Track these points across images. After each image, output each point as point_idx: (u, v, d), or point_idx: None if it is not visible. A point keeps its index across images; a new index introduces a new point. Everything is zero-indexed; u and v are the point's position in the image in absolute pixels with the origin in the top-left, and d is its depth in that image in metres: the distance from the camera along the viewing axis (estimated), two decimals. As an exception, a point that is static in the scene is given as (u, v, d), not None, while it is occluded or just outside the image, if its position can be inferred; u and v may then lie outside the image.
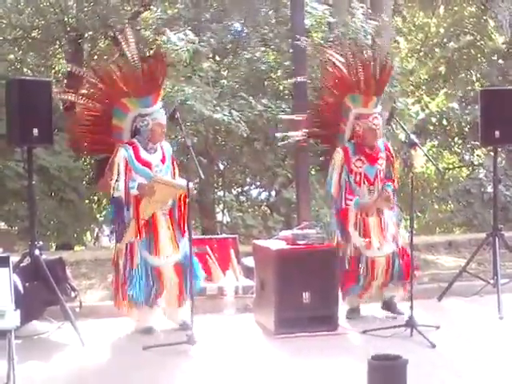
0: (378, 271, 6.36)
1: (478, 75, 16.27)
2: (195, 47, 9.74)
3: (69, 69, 10.54)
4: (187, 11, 11.27)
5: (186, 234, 5.94)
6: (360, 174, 6.36)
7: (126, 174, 5.86)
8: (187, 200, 5.81)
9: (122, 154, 5.88)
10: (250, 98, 10.05)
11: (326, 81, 6.70)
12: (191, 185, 5.73)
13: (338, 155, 6.39)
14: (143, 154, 5.94)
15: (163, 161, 6.01)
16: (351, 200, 6.31)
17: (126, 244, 5.96)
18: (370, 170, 6.38)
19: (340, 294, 6.34)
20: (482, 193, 12.98)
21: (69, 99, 6.30)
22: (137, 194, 5.83)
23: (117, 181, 5.85)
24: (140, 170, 5.90)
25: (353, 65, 6.37)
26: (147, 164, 5.93)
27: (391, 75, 6.54)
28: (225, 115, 9.52)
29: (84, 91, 6.17)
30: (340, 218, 6.38)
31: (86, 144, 6.33)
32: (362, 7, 10.33)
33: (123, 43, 5.96)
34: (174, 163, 6.18)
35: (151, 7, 13.46)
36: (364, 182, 6.36)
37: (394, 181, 6.47)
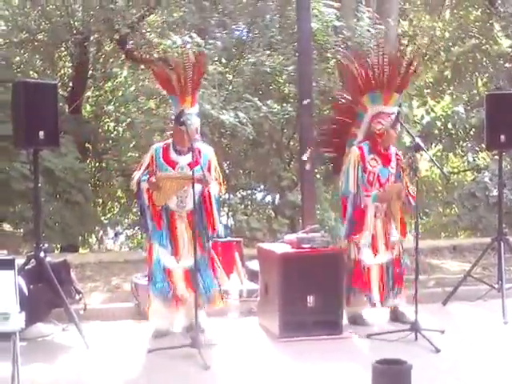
0: (372, 278, 6.36)
1: (484, 79, 16.26)
2: (201, 50, 9.75)
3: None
4: (192, 16, 11.27)
5: (216, 230, 6.07)
6: (374, 173, 6.34)
7: (147, 169, 6.01)
8: (211, 195, 5.95)
9: (151, 151, 6.09)
10: (256, 99, 10.05)
11: (345, 82, 6.66)
12: (197, 173, 5.69)
13: (354, 153, 6.36)
14: (172, 154, 6.04)
15: (192, 165, 5.83)
16: (369, 196, 6.30)
17: (148, 242, 6.09)
18: (383, 172, 6.37)
19: (345, 296, 6.33)
20: (487, 197, 12.93)
21: None
22: (147, 186, 5.93)
23: (136, 173, 6.06)
24: (162, 168, 5.98)
25: (377, 60, 6.36)
26: (172, 164, 6.00)
27: (418, 72, 6.49)
28: (231, 117, 9.53)
29: None
30: (355, 217, 6.35)
31: None
32: (369, 11, 10.34)
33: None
34: (212, 169, 6.09)
35: (156, 10, 13.48)
36: (376, 184, 6.35)
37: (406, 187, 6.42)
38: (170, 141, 6.12)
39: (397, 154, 6.51)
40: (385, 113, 6.35)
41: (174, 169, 5.98)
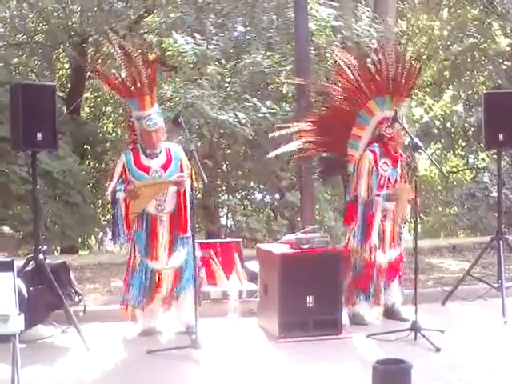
0: (382, 277, 6.43)
1: (483, 78, 16.26)
2: (203, 50, 9.75)
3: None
4: (189, 17, 11.26)
5: (189, 232, 5.94)
6: (385, 177, 6.37)
7: (120, 177, 5.92)
8: (186, 195, 5.87)
9: (122, 159, 5.97)
10: (255, 99, 10.05)
11: (344, 85, 6.62)
12: (181, 175, 5.73)
13: (367, 159, 6.33)
14: (143, 158, 5.95)
15: (165, 166, 5.92)
16: (379, 195, 6.30)
17: (131, 245, 6.03)
18: (393, 173, 6.40)
19: (344, 299, 6.34)
20: (486, 197, 12.95)
21: None
22: (124, 196, 5.85)
23: (110, 183, 5.97)
24: (137, 175, 5.91)
25: (384, 65, 6.36)
26: (145, 169, 5.93)
27: (419, 76, 6.51)
28: (230, 117, 9.52)
29: None
30: (366, 222, 6.34)
31: None
32: (368, 11, 10.34)
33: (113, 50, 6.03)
34: (184, 167, 6.03)
35: (154, 11, 13.47)
36: (386, 186, 6.36)
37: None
38: (138, 145, 6.00)
39: (401, 155, 6.52)
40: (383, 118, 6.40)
41: (147, 173, 5.91)
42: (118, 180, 5.93)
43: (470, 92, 15.94)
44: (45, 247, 6.25)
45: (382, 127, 6.39)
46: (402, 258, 6.53)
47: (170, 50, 9.88)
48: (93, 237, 15.06)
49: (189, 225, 5.95)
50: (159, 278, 5.99)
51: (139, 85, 5.90)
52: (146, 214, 5.97)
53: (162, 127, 5.98)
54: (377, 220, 6.32)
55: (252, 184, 12.11)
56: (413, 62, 6.45)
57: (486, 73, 15.88)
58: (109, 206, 16.11)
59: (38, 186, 6.40)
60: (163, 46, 10.19)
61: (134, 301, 6.00)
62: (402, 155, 6.52)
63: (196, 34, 9.94)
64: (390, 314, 6.54)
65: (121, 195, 5.86)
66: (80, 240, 13.54)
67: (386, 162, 6.36)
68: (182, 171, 5.97)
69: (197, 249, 5.98)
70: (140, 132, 5.97)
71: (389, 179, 6.38)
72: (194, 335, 5.48)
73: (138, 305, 6.02)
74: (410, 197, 6.22)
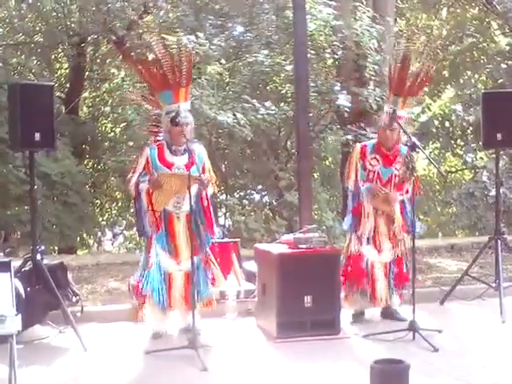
0: (378, 275, 6.40)
1: (482, 77, 16.26)
2: (205, 50, 9.75)
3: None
4: (187, 17, 11.25)
5: (216, 233, 6.07)
6: (374, 172, 6.38)
7: (143, 170, 5.89)
8: (208, 195, 5.94)
9: (146, 153, 5.95)
10: (254, 100, 10.05)
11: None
12: (196, 175, 5.73)
13: (355, 151, 6.49)
14: (167, 155, 5.93)
15: (188, 166, 5.80)
16: (363, 185, 6.35)
17: (146, 242, 6.01)
18: (384, 171, 6.38)
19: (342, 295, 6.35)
20: (485, 196, 12.94)
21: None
22: (147, 186, 5.82)
23: (132, 176, 5.94)
24: (160, 170, 5.87)
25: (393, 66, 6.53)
26: (168, 165, 5.90)
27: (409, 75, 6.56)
28: (229, 117, 9.52)
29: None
30: (354, 213, 6.40)
31: None
32: (368, 11, 10.34)
33: (154, 43, 5.99)
34: (206, 170, 6.04)
35: (153, 11, 13.47)
36: (376, 182, 6.36)
37: (407, 191, 6.39)
38: (164, 141, 6.01)
39: (397, 156, 6.50)
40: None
41: (170, 170, 5.90)
42: (140, 173, 5.89)
43: (468, 91, 15.93)
44: (42, 247, 6.25)
45: (382, 120, 6.43)
46: (401, 261, 6.47)
47: (171, 49, 9.86)
48: (91, 237, 15.07)
49: (215, 226, 6.01)
50: (170, 280, 5.96)
51: (178, 76, 5.88)
52: (165, 212, 5.94)
53: (191, 124, 5.95)
54: (366, 212, 6.33)
55: (250, 184, 12.11)
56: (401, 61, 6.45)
57: (487, 70, 15.85)
58: (107, 205, 16.15)
59: (35, 187, 6.40)
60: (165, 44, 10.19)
61: (156, 300, 5.91)
62: (398, 157, 6.50)
63: (198, 33, 9.93)
64: (387, 314, 6.54)
65: (144, 186, 5.84)
66: (78, 239, 13.55)
67: (375, 158, 6.39)
68: (203, 173, 5.97)
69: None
70: (169, 126, 5.92)
71: (379, 176, 6.37)
72: (192, 335, 5.47)
73: (160, 305, 5.94)
74: (385, 200, 6.28)
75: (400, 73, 6.39)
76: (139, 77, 6.14)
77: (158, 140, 6.10)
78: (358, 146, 6.57)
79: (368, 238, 6.39)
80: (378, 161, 6.39)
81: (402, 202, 6.44)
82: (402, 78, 6.38)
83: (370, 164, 6.38)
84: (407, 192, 6.37)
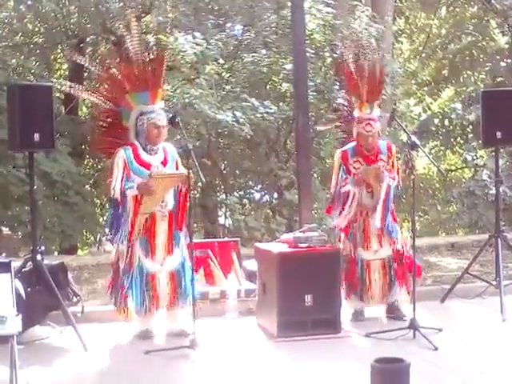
0: (374, 275, 6.41)
1: (481, 75, 16.27)
2: (203, 50, 9.74)
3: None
4: (186, 16, 11.25)
5: (184, 230, 5.92)
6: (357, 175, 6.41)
7: (123, 174, 5.81)
8: (188, 192, 5.80)
9: (121, 155, 5.84)
10: (253, 99, 10.05)
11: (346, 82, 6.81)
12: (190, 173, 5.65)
13: (336, 156, 6.62)
14: (143, 154, 5.90)
15: (164, 163, 5.93)
16: (347, 183, 6.37)
17: (128, 246, 5.89)
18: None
19: (343, 294, 6.38)
20: (486, 194, 12.95)
21: (79, 96, 6.28)
22: (136, 193, 5.75)
23: (113, 181, 5.82)
24: (138, 171, 5.82)
25: (358, 67, 6.52)
26: (146, 165, 5.86)
27: (382, 81, 6.64)
28: (228, 116, 9.52)
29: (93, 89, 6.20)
30: (340, 216, 6.45)
31: (103, 148, 6.35)
32: (368, 9, 10.34)
33: (126, 33, 5.97)
34: (178, 166, 6.05)
35: (152, 11, 13.45)
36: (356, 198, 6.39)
37: (393, 178, 6.42)
38: (136, 141, 5.95)
39: (388, 147, 6.54)
40: (360, 117, 6.47)
41: (149, 169, 5.84)
42: (122, 177, 5.81)
43: (468, 90, 15.95)
44: (42, 248, 6.25)
45: (359, 126, 6.43)
46: (398, 255, 6.46)
47: (169, 49, 9.86)
48: (92, 237, 15.06)
49: (185, 224, 5.91)
50: (153, 281, 5.90)
51: (154, 78, 5.89)
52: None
53: (166, 124, 5.97)
54: (348, 202, 6.35)
55: (250, 183, 12.11)
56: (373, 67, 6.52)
57: (486, 68, 15.87)
58: (107, 205, 16.14)
59: (35, 187, 6.40)
60: (162, 44, 10.18)
61: (137, 308, 5.88)
62: (391, 151, 6.53)
63: (196, 33, 9.93)
64: (390, 312, 6.54)
65: (131, 193, 5.75)
66: (80, 239, 13.54)
67: (358, 161, 6.43)
68: (177, 170, 5.98)
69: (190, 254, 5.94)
70: (146, 127, 5.90)
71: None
72: (192, 335, 5.47)
73: (141, 312, 5.91)
74: (381, 177, 6.25)
75: (369, 81, 6.45)
76: (113, 77, 6.09)
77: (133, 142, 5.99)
78: (338, 151, 6.63)
79: (360, 240, 6.41)
80: (360, 163, 6.43)
81: (387, 192, 6.39)
82: (371, 86, 6.46)
83: (354, 167, 6.44)
84: (394, 179, 6.39)
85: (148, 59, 5.96)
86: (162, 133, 5.93)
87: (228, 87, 10.64)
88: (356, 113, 6.54)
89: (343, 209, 6.42)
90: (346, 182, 6.39)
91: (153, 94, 5.97)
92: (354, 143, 6.55)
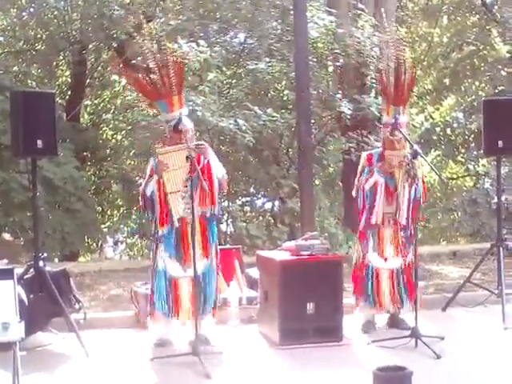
0: (383, 283, 6.37)
1: (483, 84, 16.29)
2: (206, 57, 9.77)
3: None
4: (190, 23, 11.28)
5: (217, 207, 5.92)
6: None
7: (148, 180, 5.87)
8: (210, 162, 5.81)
9: (151, 163, 5.96)
10: (256, 107, 10.06)
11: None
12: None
13: (362, 159, 6.53)
14: None
15: (191, 171, 5.73)
16: (373, 174, 6.29)
17: (153, 247, 5.95)
18: (390, 181, 6.30)
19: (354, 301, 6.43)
20: (488, 203, 12.96)
21: None
22: (156, 178, 5.76)
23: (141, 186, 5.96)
24: None
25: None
26: None
27: (410, 85, 6.55)
28: (230, 123, 9.53)
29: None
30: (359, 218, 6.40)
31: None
32: (371, 19, 10.36)
33: (143, 43, 5.96)
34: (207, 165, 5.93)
35: (155, 19, 13.49)
36: (385, 192, 6.29)
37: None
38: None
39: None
40: (386, 123, 6.40)
41: None
42: (146, 183, 5.88)
43: (469, 99, 15.97)
44: (45, 254, 6.25)
45: (385, 131, 6.40)
46: (408, 270, 6.38)
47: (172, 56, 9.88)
48: (94, 244, 15.08)
49: (216, 201, 5.87)
50: (175, 287, 5.88)
51: (168, 85, 5.87)
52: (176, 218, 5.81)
53: (191, 129, 5.94)
54: (377, 195, 6.27)
55: (252, 190, 12.12)
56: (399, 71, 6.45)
57: (487, 77, 15.88)
58: (109, 212, 16.12)
59: (38, 194, 6.41)
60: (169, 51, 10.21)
61: (160, 309, 5.86)
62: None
63: (199, 41, 9.95)
64: (393, 322, 6.52)
65: (151, 184, 5.79)
66: (81, 247, 13.54)
67: (383, 166, 6.35)
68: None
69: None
70: (170, 133, 5.94)
71: (386, 184, 6.31)
72: (195, 342, 5.47)
73: (165, 314, 5.88)
74: (404, 164, 6.09)
75: (396, 83, 6.37)
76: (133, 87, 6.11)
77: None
78: (364, 154, 6.60)
79: (373, 245, 6.38)
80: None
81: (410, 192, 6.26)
82: (398, 88, 6.37)
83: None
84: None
85: (161, 66, 5.94)
86: (185, 138, 5.81)
87: (230, 95, 10.66)
88: (383, 118, 6.48)
89: (373, 205, 6.30)
90: (372, 173, 6.30)
91: (169, 102, 5.92)
92: (379, 149, 6.49)
